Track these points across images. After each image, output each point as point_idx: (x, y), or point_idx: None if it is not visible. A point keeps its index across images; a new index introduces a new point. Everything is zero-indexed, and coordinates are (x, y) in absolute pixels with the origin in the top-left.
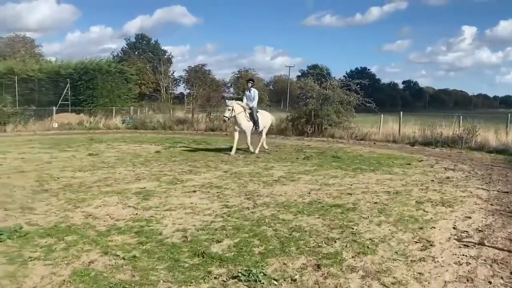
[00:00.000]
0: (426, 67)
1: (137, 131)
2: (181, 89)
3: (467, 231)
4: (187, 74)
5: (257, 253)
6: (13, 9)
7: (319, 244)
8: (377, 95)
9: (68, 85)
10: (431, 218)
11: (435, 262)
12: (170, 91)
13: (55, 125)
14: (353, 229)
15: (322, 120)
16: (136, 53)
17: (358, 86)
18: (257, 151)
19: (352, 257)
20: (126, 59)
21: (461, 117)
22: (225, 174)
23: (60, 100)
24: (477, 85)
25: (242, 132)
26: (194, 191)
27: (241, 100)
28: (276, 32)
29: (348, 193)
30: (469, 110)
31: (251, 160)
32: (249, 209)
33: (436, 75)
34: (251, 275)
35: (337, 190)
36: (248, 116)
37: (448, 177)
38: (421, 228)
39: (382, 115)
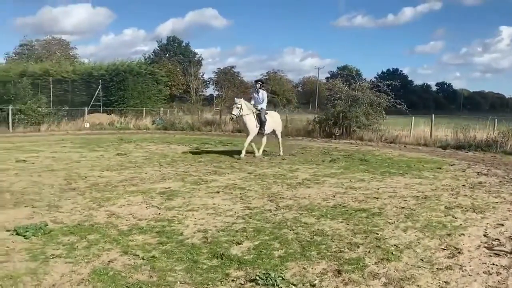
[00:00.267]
0: (460, 68)
1: (166, 132)
2: (210, 90)
3: (498, 239)
4: (216, 76)
5: (277, 256)
6: (50, 13)
7: (341, 249)
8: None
9: (100, 86)
10: (461, 224)
11: (462, 271)
12: (200, 93)
13: (87, 125)
14: (377, 234)
15: (351, 122)
16: (167, 55)
17: (390, 87)
18: (281, 153)
19: (375, 263)
20: (157, 61)
21: (496, 120)
22: (249, 175)
23: (92, 101)
24: None
25: (246, 134)
26: (218, 192)
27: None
28: (306, 33)
29: (375, 197)
30: (506, 113)
31: (276, 162)
32: (271, 211)
33: (471, 76)
34: (269, 279)
35: (363, 194)
36: (256, 118)
37: (480, 182)
38: (449, 235)
39: (413, 117)
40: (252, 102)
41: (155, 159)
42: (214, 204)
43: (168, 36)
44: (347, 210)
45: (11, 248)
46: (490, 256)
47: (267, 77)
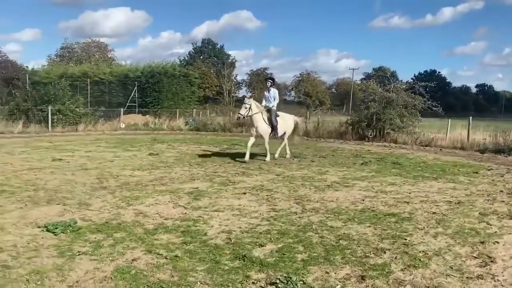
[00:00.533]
0: (503, 69)
1: (198, 133)
2: (243, 92)
3: None
4: (249, 78)
5: (300, 260)
6: (91, 17)
7: (367, 254)
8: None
9: (136, 87)
10: (495, 232)
11: (494, 281)
12: (233, 94)
13: (122, 125)
14: (405, 240)
15: (384, 124)
16: (201, 57)
17: (427, 89)
18: (288, 155)
19: (401, 269)
20: (191, 63)
21: None
22: (277, 177)
23: (128, 102)
24: None
25: (259, 137)
26: (244, 193)
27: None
28: (341, 34)
29: (405, 202)
30: None
31: (305, 164)
32: (296, 214)
33: None
34: (290, 282)
35: (393, 198)
36: (267, 120)
37: None
38: (482, 243)
39: (449, 119)
40: (264, 101)
41: (186, 160)
42: (240, 205)
43: (203, 38)
44: (376, 215)
45: (40, 244)
46: None
47: (300, 78)
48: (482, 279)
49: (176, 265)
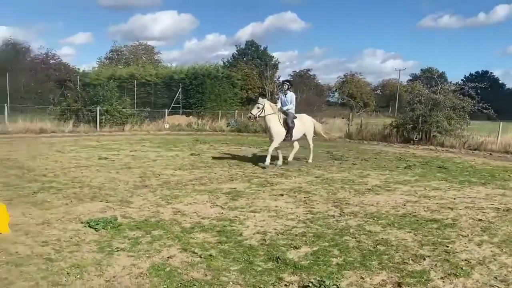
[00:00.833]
0: None
1: (239, 134)
2: None
3: None
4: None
5: (335, 264)
6: (140, 20)
7: (405, 261)
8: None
9: (180, 89)
10: None
11: None
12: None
13: (167, 126)
14: (447, 247)
15: (431, 127)
16: (244, 59)
17: (478, 90)
18: (310, 160)
19: (441, 278)
20: (235, 65)
21: None
22: (316, 179)
23: (172, 103)
24: None
25: (271, 139)
26: (282, 195)
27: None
28: (388, 34)
29: (449, 208)
30: None
31: (346, 167)
32: (334, 217)
33: None
34: (323, 286)
35: (437, 203)
36: (282, 121)
37: None
38: None
39: (501, 122)
40: (278, 104)
41: (226, 160)
42: (276, 206)
43: (247, 40)
44: (417, 220)
45: (82, 239)
46: None
47: (344, 79)
48: None
49: (210, 264)
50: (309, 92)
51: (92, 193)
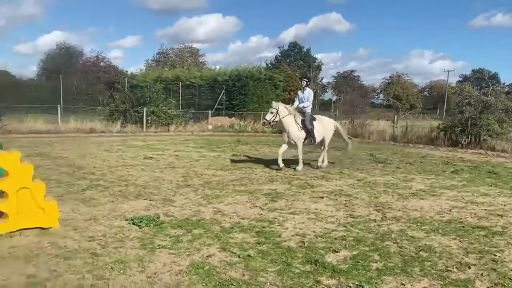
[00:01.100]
0: None
1: (281, 135)
2: (329, 95)
3: None
4: (335, 81)
5: (374, 269)
6: (186, 23)
7: (449, 268)
8: None
9: (223, 90)
10: None
11: None
12: (318, 97)
13: (210, 127)
14: (495, 256)
15: (480, 130)
16: (287, 60)
17: None
18: (324, 164)
19: (487, 287)
20: (277, 67)
21: None
22: (358, 182)
23: (215, 105)
24: None
25: (291, 144)
26: (322, 197)
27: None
28: (437, 34)
29: (498, 215)
30: None
31: (389, 170)
32: (375, 222)
33: None
34: None
35: (485, 210)
36: (300, 123)
37: None
38: None
39: None
40: (296, 102)
41: (266, 161)
42: (316, 209)
43: (290, 42)
44: (463, 227)
45: (126, 236)
46: None
47: (389, 80)
48: None
49: (248, 264)
50: (352, 93)
51: (137, 191)
